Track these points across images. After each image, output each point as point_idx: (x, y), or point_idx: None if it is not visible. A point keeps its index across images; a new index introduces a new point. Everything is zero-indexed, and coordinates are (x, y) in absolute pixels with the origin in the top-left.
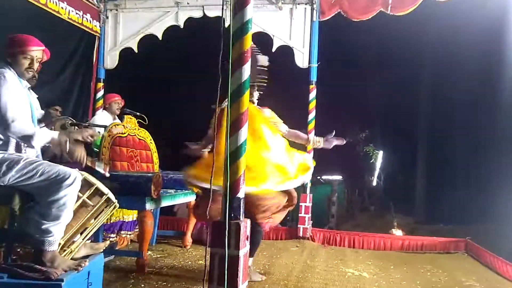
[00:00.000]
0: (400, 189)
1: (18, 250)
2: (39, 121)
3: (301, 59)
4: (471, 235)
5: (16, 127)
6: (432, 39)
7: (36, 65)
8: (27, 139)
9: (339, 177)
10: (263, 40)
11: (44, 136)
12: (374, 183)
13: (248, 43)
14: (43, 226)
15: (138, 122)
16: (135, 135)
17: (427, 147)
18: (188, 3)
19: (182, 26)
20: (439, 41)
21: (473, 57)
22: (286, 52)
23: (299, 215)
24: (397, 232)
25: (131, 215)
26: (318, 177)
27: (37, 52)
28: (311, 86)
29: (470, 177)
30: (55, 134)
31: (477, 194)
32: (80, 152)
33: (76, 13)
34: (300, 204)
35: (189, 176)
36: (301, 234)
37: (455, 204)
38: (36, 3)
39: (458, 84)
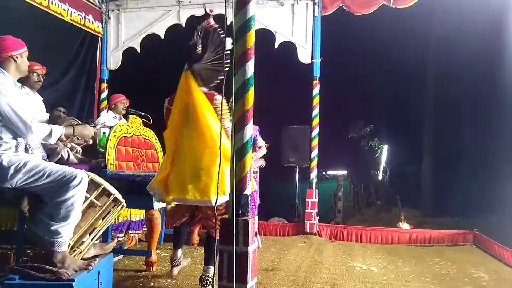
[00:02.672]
0: (406, 182)
1: (29, 251)
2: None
3: (304, 55)
4: (479, 227)
5: (35, 130)
6: (436, 32)
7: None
8: (46, 138)
9: (344, 172)
10: (265, 37)
11: (58, 130)
12: (380, 177)
13: (252, 40)
14: (52, 227)
15: (142, 122)
16: (140, 135)
17: (433, 140)
18: (189, 1)
19: (184, 25)
20: (443, 34)
21: (479, 49)
22: (289, 48)
23: (306, 210)
24: (404, 226)
25: (138, 215)
26: (323, 172)
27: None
28: (314, 82)
29: (477, 169)
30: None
31: (484, 186)
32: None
33: (78, 15)
34: (307, 199)
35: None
36: (308, 229)
37: (462, 196)
38: (38, 5)
39: (464, 76)
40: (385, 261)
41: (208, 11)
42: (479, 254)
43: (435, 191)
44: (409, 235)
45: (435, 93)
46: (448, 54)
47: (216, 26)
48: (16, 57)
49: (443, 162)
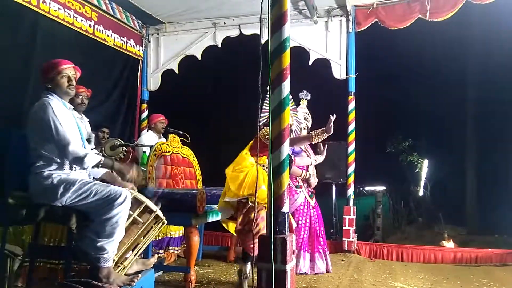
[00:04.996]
0: (449, 198)
1: (75, 267)
2: (94, 144)
3: (339, 71)
4: None
5: (71, 150)
6: (475, 44)
7: (74, 82)
8: (78, 161)
9: (382, 188)
10: (299, 54)
11: (94, 158)
12: (421, 193)
13: (287, 60)
14: (98, 244)
15: (181, 140)
16: (178, 153)
17: (476, 153)
18: (225, 23)
19: (220, 45)
20: (482, 46)
21: None
22: (323, 64)
23: (344, 228)
24: (448, 244)
25: (177, 231)
26: (361, 188)
27: (70, 69)
28: (350, 97)
29: None
30: (103, 158)
31: None
32: (132, 172)
33: (121, 40)
34: (344, 216)
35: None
36: (346, 247)
37: (510, 213)
38: (85, 33)
39: (507, 88)
40: (428, 281)
41: (243, 32)
42: None
43: (480, 207)
44: (454, 254)
45: (476, 106)
46: (489, 65)
47: None
48: (52, 79)
49: (488, 176)
